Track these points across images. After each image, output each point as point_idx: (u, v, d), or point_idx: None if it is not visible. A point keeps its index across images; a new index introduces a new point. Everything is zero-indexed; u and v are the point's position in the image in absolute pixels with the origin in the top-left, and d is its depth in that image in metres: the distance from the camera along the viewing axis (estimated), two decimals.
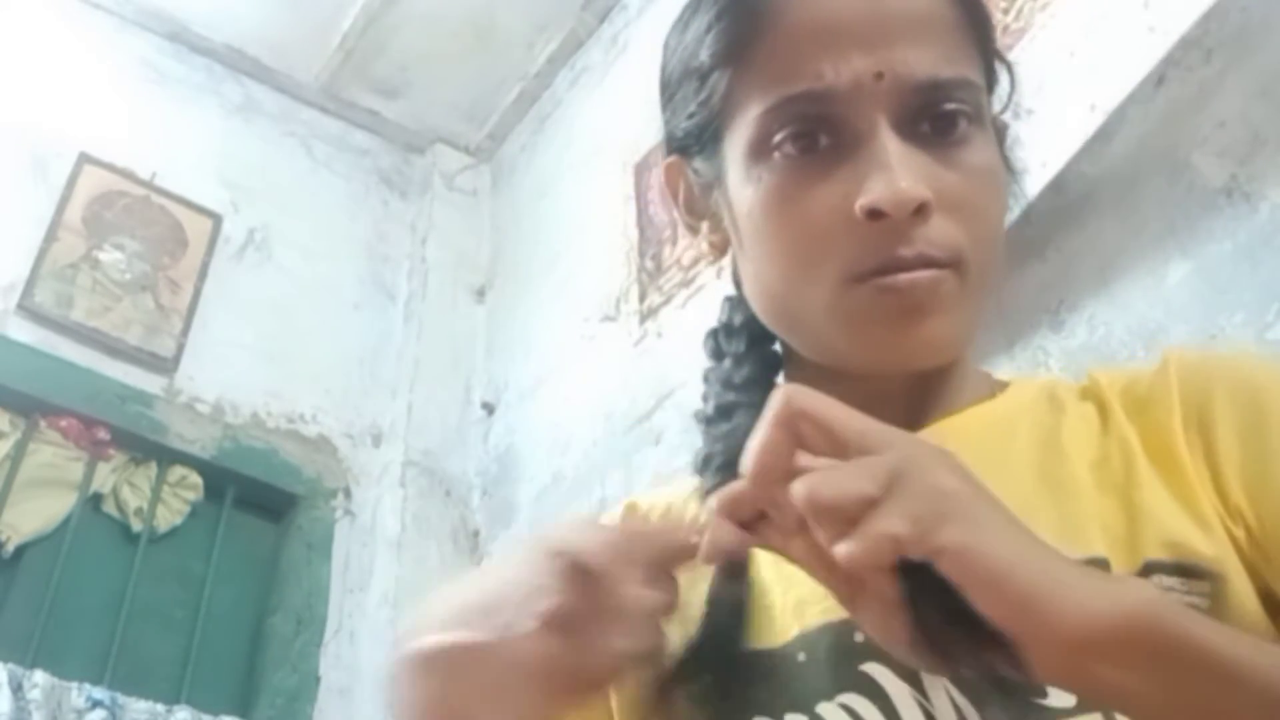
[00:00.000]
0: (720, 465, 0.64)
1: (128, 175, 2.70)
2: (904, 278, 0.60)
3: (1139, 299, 1.35)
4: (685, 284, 2.16)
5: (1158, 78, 1.35)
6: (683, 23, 0.71)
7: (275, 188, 2.95)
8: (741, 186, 0.65)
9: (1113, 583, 0.48)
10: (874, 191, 0.59)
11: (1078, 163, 1.41)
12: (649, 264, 2.32)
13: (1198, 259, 1.31)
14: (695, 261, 2.15)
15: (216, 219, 2.77)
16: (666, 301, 2.22)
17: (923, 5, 0.63)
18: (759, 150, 0.64)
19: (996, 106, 0.71)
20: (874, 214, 0.59)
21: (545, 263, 2.76)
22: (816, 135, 0.62)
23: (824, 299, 0.62)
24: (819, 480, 0.47)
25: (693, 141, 0.70)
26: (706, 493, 0.62)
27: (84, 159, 2.65)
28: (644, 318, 2.28)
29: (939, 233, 0.60)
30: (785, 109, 0.62)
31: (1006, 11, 1.60)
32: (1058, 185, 1.42)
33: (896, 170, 0.59)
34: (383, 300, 2.97)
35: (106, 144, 2.70)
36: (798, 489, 0.47)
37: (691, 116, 0.69)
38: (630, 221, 2.41)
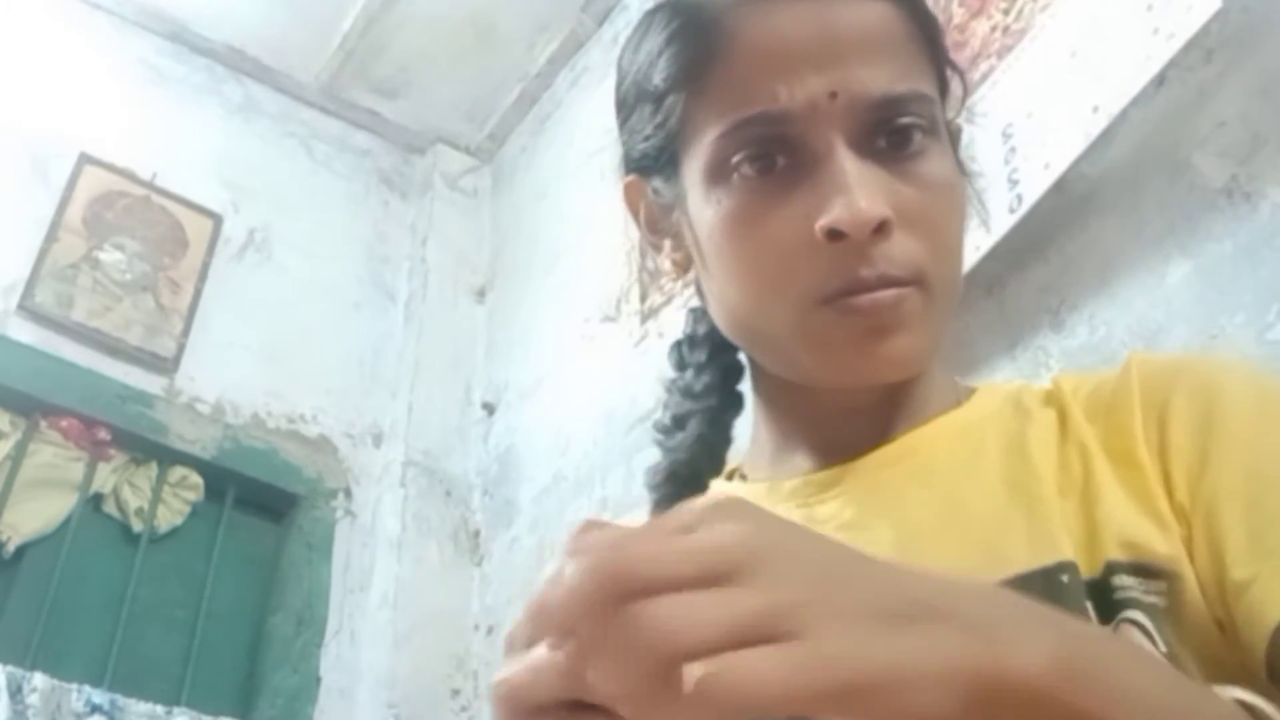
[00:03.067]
0: (663, 480, 0.64)
1: (128, 175, 2.70)
2: (866, 299, 0.60)
3: (1139, 299, 1.35)
4: (686, 284, 2.16)
5: (1158, 78, 1.35)
6: (634, 44, 0.71)
7: (275, 188, 2.95)
8: (701, 208, 0.65)
9: (955, 638, 0.39)
10: (833, 212, 0.59)
11: (1078, 163, 1.41)
12: (650, 264, 2.32)
13: (1198, 259, 1.31)
14: None
15: (217, 219, 2.77)
16: (667, 302, 2.22)
17: (874, 21, 0.63)
18: (717, 173, 0.64)
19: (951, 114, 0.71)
20: (834, 235, 0.59)
21: (546, 263, 2.76)
22: (773, 157, 0.62)
23: (788, 320, 0.62)
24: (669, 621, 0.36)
25: (650, 163, 0.70)
26: (654, 506, 0.63)
27: (84, 159, 2.65)
28: (645, 318, 2.28)
29: (900, 250, 0.60)
30: (741, 132, 0.63)
31: (1007, 12, 1.60)
32: (1058, 186, 1.42)
33: (855, 190, 0.59)
34: (383, 301, 2.97)
35: (107, 144, 2.70)
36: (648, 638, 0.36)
37: (648, 139, 0.69)
38: (631, 222, 2.40)
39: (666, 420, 0.69)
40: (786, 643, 0.36)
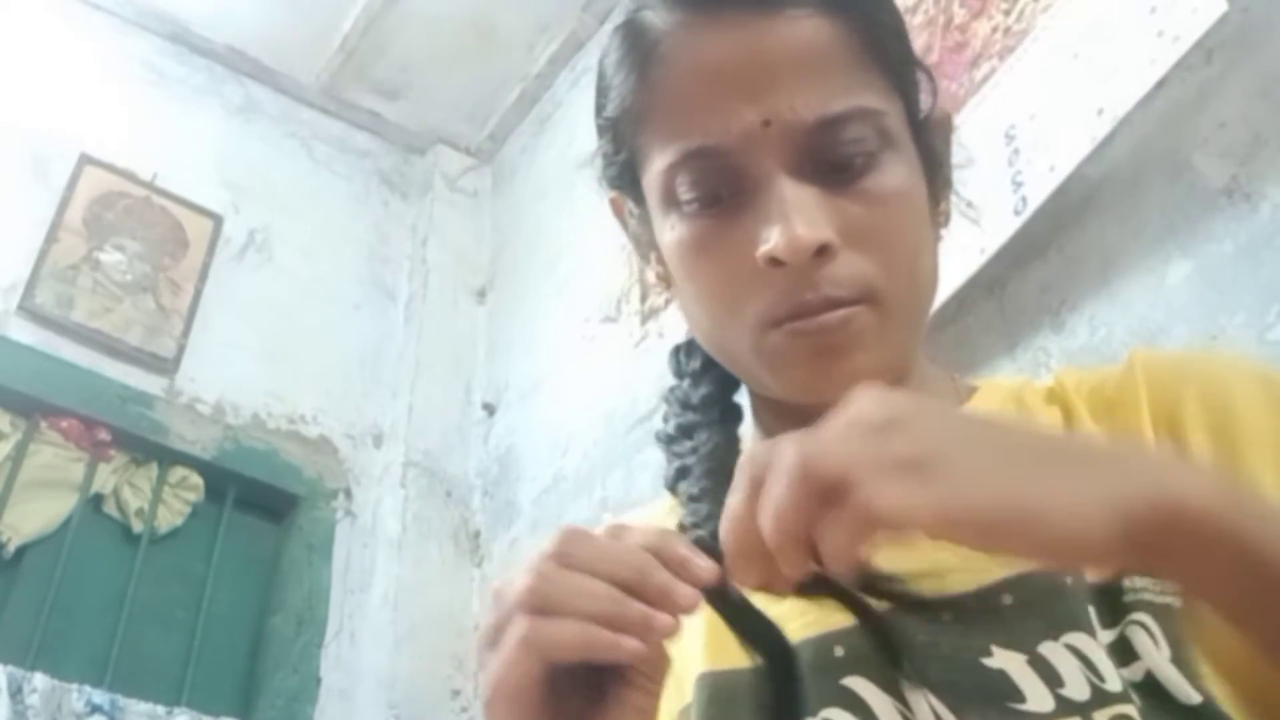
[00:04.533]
0: (701, 475, 0.64)
1: (128, 176, 2.70)
2: (813, 321, 0.61)
3: (1140, 299, 1.35)
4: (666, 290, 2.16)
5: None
6: (602, 61, 0.71)
7: (276, 189, 2.95)
8: (661, 231, 0.67)
9: (1114, 475, 0.44)
10: (770, 241, 0.60)
11: (1078, 164, 1.41)
12: None
13: (1198, 259, 1.31)
14: None
15: (217, 220, 2.77)
16: (667, 302, 2.22)
17: (807, 40, 0.62)
18: (668, 201, 0.65)
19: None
20: (774, 262, 0.60)
21: (546, 264, 2.76)
22: (717, 189, 0.63)
23: (747, 342, 0.63)
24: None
25: (619, 184, 0.71)
26: (689, 499, 0.63)
27: (85, 160, 2.65)
28: (645, 318, 2.28)
29: (845, 270, 0.60)
30: (682, 165, 0.63)
31: (1008, 13, 1.60)
32: (1058, 186, 1.42)
33: (792, 217, 0.59)
34: (383, 301, 2.97)
35: (107, 145, 2.70)
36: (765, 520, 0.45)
37: (612, 164, 0.70)
38: None
39: (671, 429, 0.70)
40: (940, 474, 0.42)
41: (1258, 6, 1.31)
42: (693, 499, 0.63)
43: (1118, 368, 0.66)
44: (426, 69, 3.08)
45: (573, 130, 2.88)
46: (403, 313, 2.96)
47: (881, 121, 0.63)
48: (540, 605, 0.49)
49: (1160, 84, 1.36)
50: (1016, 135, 1.47)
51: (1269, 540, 0.43)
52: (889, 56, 0.65)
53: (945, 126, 0.71)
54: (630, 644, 0.48)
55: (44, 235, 2.52)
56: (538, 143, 3.06)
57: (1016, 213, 1.43)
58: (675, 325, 2.14)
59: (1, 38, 2.70)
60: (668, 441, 0.69)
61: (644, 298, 2.31)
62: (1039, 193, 1.42)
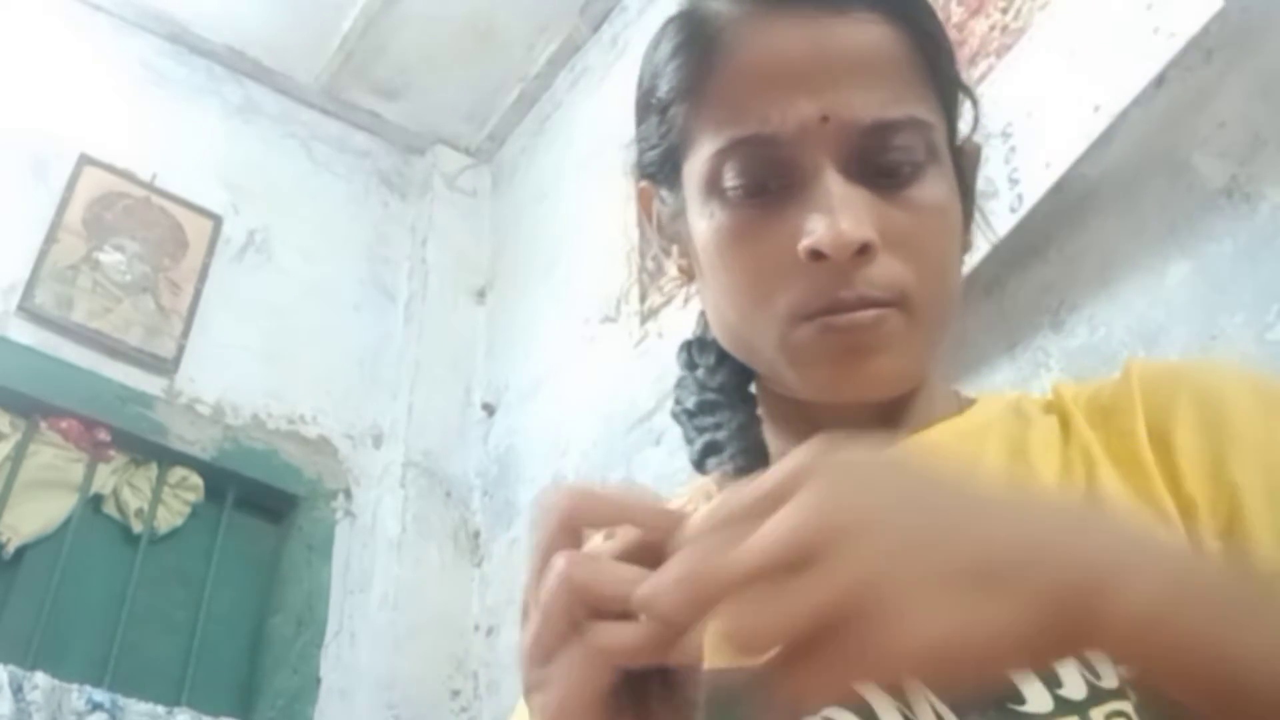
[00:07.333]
0: (737, 453, 0.64)
1: (128, 177, 2.70)
2: (845, 318, 0.61)
3: (1139, 299, 1.35)
4: (692, 292, 2.16)
5: (1158, 78, 1.35)
6: (650, 51, 0.72)
7: (275, 189, 2.95)
8: (697, 219, 0.67)
9: (1046, 565, 0.40)
10: (815, 234, 0.60)
11: (1078, 164, 1.41)
12: (649, 264, 2.32)
13: (1198, 259, 1.31)
14: None
15: (217, 220, 2.78)
16: (667, 302, 2.22)
17: (869, 44, 0.63)
18: (711, 188, 0.65)
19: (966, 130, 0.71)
20: (815, 255, 0.60)
21: (545, 264, 2.76)
22: (764, 178, 0.63)
23: (774, 334, 0.63)
24: (742, 618, 0.39)
25: (656, 170, 0.71)
26: (725, 478, 0.63)
27: (84, 160, 2.65)
28: (644, 318, 2.28)
29: (882, 272, 0.61)
30: (733, 151, 0.63)
31: (1005, 11, 1.60)
32: (1058, 186, 1.42)
33: (838, 213, 0.60)
34: (383, 301, 2.97)
35: (107, 145, 2.70)
36: (727, 633, 0.39)
37: (654, 148, 0.70)
38: (630, 222, 2.40)
39: (690, 405, 0.70)
40: (862, 630, 0.38)
41: (1257, 6, 1.31)
42: (730, 478, 0.63)
43: (1114, 377, 0.67)
44: (426, 69, 3.08)
45: (572, 130, 2.88)
46: (402, 313, 2.96)
47: (930, 135, 0.64)
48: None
49: (1160, 83, 1.36)
50: (1014, 133, 1.47)
51: (1212, 629, 0.41)
52: (942, 75, 0.67)
53: (975, 157, 0.72)
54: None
55: (44, 235, 2.52)
56: (537, 143, 3.06)
57: (1012, 210, 1.44)
58: (675, 325, 2.15)
59: (2, 38, 2.70)
60: (689, 416, 0.69)
61: (644, 298, 2.31)
62: (1035, 190, 1.42)
